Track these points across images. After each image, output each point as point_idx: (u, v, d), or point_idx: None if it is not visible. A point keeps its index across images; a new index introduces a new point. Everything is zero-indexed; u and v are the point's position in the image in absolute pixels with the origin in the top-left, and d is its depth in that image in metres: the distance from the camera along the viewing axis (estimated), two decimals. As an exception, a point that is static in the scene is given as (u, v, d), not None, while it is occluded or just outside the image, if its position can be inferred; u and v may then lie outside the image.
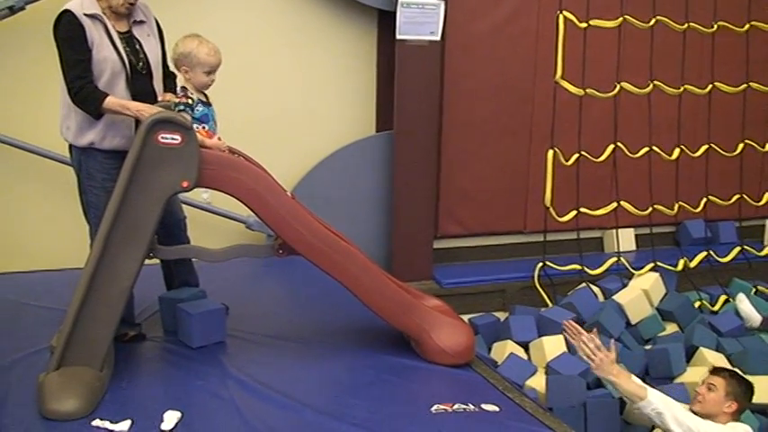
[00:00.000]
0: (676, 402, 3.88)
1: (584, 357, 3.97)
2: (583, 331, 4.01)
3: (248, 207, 3.68)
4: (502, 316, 5.78)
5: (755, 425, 4.54)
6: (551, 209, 5.98)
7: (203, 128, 3.64)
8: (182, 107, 3.60)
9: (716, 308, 6.06)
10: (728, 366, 5.06)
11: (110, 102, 3.60)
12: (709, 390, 3.94)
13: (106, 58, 3.65)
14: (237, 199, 3.63)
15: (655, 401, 3.79)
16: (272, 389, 3.56)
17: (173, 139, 3.39)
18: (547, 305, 5.88)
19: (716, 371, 4.11)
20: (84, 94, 3.59)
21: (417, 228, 5.98)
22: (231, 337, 4.15)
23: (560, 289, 6.04)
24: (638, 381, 3.98)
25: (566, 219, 6.06)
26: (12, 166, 5.35)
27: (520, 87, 6.28)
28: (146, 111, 3.58)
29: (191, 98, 3.64)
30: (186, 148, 3.41)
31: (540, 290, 6.06)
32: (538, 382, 4.84)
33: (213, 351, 3.99)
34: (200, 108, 3.67)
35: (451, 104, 6.07)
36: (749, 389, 4.02)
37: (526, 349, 5.28)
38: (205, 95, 3.76)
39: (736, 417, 3.93)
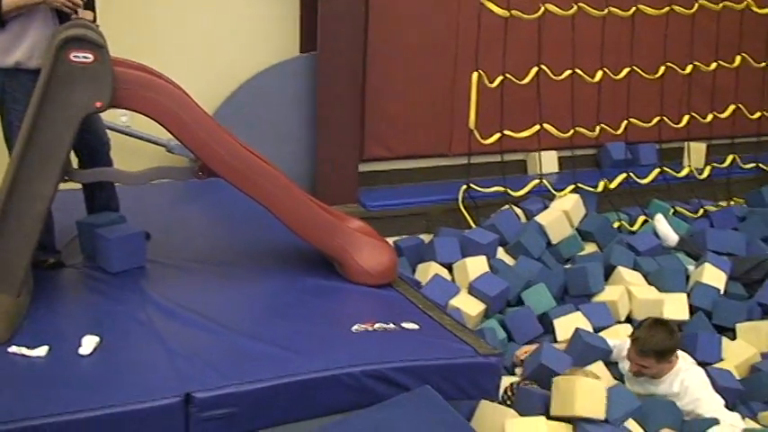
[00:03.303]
0: None
1: None
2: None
3: (165, 128, 3.62)
4: (426, 238, 5.83)
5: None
6: (476, 131, 5.99)
7: None
8: None
9: (635, 228, 6.20)
10: (645, 284, 5.21)
11: (6, 2, 3.45)
12: (646, 368, 4.02)
13: None
14: (154, 120, 3.57)
15: None
16: (192, 312, 3.55)
17: (84, 57, 3.31)
18: (470, 227, 5.93)
19: (640, 352, 4.02)
20: None
21: (342, 151, 5.95)
22: (152, 263, 4.09)
23: (484, 211, 6.09)
24: None
25: (490, 141, 6.07)
26: None
27: (445, 9, 6.24)
28: None
29: None
30: (99, 67, 3.33)
31: (465, 212, 6.11)
32: (461, 302, 4.92)
33: (133, 276, 3.93)
34: None
35: (376, 26, 5.99)
36: (671, 335, 4.03)
37: (450, 270, 5.34)
38: None
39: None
